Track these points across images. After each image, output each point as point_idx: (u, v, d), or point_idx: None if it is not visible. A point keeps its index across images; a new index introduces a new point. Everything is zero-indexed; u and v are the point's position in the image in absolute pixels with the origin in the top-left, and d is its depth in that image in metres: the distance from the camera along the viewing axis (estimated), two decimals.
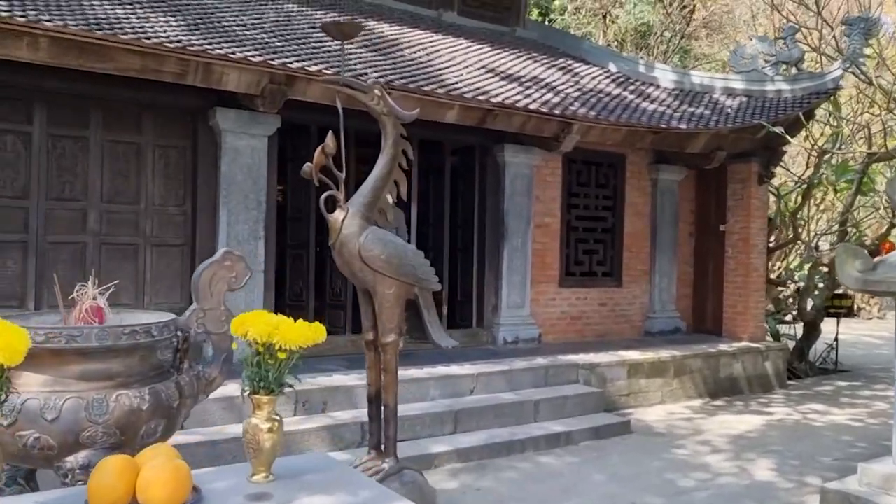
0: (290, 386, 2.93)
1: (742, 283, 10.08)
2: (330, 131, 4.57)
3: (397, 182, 4.74)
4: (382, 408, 4.63)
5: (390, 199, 4.68)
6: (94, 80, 6.15)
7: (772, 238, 11.92)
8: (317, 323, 3.04)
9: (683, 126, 8.70)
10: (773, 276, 12.44)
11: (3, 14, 4.99)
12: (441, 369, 7.22)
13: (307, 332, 2.91)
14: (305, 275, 7.84)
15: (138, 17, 6.05)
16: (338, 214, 4.47)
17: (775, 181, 11.47)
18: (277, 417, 2.84)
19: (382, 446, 4.65)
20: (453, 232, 9.01)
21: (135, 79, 6.10)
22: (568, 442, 6.78)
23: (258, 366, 2.87)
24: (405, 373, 6.91)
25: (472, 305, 8.94)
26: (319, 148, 4.52)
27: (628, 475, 5.94)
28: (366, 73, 6.60)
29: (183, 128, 6.95)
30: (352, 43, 7.19)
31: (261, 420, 2.81)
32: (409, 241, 6.69)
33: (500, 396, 7.12)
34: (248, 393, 2.83)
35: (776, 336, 11.60)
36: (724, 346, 9.57)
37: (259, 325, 2.89)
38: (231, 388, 6.12)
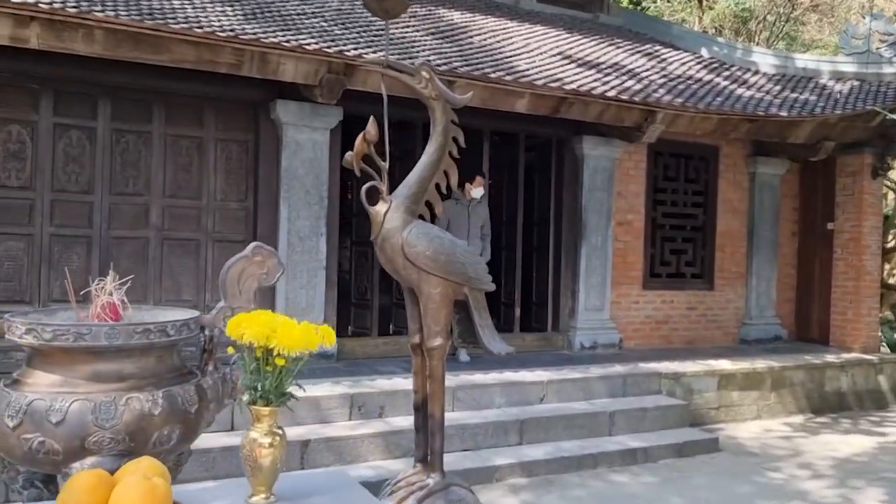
0: (294, 397, 2.57)
1: (853, 288, 9.08)
2: (371, 117, 4.22)
3: (447, 173, 4.34)
4: (428, 418, 4.24)
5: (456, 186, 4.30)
6: (156, 74, 6.08)
7: (889, 238, 10.76)
8: (325, 326, 2.65)
9: (784, 113, 7.88)
10: (889, 280, 11.24)
11: (56, 5, 4.93)
12: (508, 375, 6.76)
13: (309, 336, 2.53)
14: (370, 272, 7.57)
15: (194, 7, 5.93)
16: (380, 207, 4.13)
17: (893, 174, 10.32)
18: (279, 431, 2.49)
19: (429, 458, 4.26)
20: (527, 230, 8.53)
21: (196, 72, 5.99)
22: (646, 459, 6.18)
23: (256, 372, 2.52)
24: (469, 377, 6.54)
25: (546, 308, 8.43)
26: (360, 135, 4.19)
27: (713, 500, 5.30)
28: (428, 60, 6.24)
29: (245, 121, 6.81)
30: (409, 27, 6.87)
31: (260, 434, 2.47)
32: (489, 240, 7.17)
33: (572, 406, 6.59)
34: (246, 403, 2.50)
35: (893, 347, 10.45)
36: (830, 357, 8.63)
37: (256, 326, 2.54)
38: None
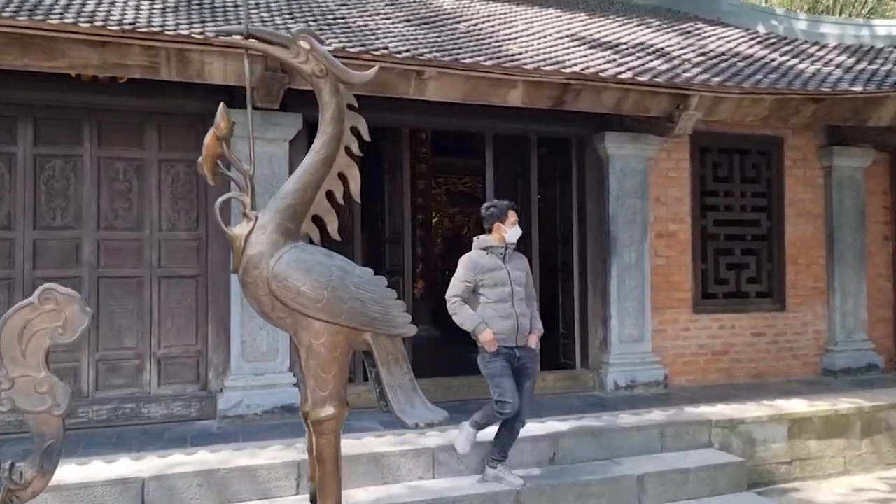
0: None
1: None
2: (221, 104, 3.15)
3: (345, 176, 3.20)
4: None
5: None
6: (84, 88, 5.28)
7: None
8: None
9: (858, 88, 6.29)
10: None
11: None
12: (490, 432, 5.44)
13: None
14: None
15: (99, 3, 5.05)
16: (240, 228, 3.03)
17: None
18: None
19: None
20: (547, 248, 7.23)
21: (135, 82, 5.16)
22: None
23: None
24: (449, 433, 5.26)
25: (573, 340, 7.06)
26: (210, 132, 3.12)
27: None
28: (385, 48, 5.12)
29: (192, 137, 5.85)
30: (378, 14, 5.78)
31: None
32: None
33: (589, 467, 5.21)
34: None
35: None
36: None
37: None
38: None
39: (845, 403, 6.33)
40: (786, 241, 7.64)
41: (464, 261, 4.58)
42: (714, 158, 7.42)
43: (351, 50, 4.92)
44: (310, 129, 6.09)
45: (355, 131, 3.20)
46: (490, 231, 4.67)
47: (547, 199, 7.19)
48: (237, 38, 3.09)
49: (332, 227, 3.21)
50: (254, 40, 3.06)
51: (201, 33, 4.69)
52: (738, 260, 7.53)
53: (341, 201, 3.19)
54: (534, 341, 4.64)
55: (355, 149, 3.20)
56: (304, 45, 3.05)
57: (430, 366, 8.47)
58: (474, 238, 4.80)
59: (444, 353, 7.66)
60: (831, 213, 7.73)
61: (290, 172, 5.83)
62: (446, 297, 4.53)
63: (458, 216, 15.11)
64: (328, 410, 2.97)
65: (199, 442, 5.10)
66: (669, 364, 7.03)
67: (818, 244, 7.77)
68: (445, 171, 13.43)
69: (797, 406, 6.25)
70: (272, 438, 5.22)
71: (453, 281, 4.56)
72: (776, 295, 7.62)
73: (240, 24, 4.81)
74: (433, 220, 14.03)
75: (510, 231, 4.65)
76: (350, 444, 5.09)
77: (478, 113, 6.54)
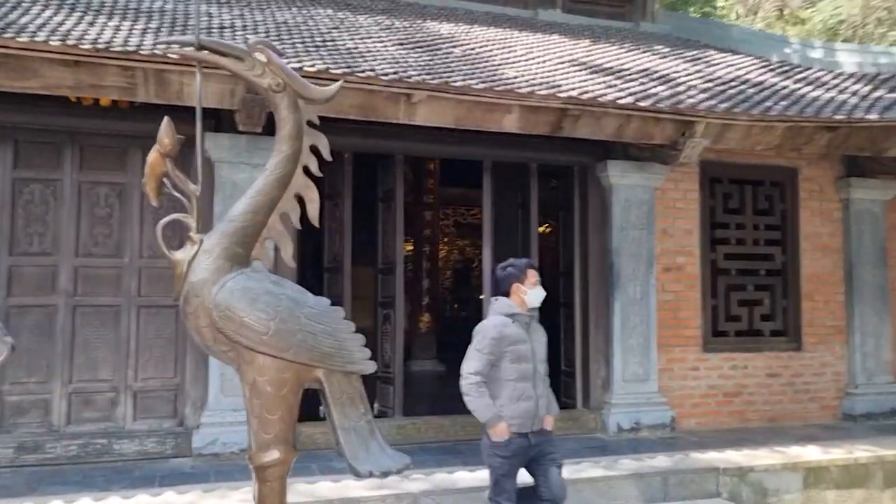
0: None
1: None
2: (166, 118, 2.93)
3: (302, 198, 2.95)
4: None
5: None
6: (68, 110, 5.16)
7: None
8: None
9: (875, 116, 5.98)
10: None
11: None
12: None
13: None
14: None
15: (77, 22, 4.91)
16: (183, 253, 2.78)
17: None
18: None
19: None
20: (548, 281, 6.88)
21: (119, 105, 5.02)
22: None
23: None
24: (446, 478, 4.94)
25: (574, 379, 6.71)
26: (153, 150, 2.90)
27: None
28: (371, 70, 4.92)
29: (181, 162, 5.67)
30: (370, 37, 5.60)
31: None
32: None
33: None
34: None
35: None
36: None
37: None
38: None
39: (866, 451, 5.89)
40: (802, 277, 7.26)
41: (487, 330, 3.75)
42: (724, 189, 7.11)
43: (335, 71, 4.72)
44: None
45: (315, 150, 2.95)
46: (507, 294, 3.88)
47: (548, 231, 6.90)
48: (188, 49, 2.85)
49: (287, 252, 2.94)
50: (206, 52, 2.84)
51: (153, 45, 4.50)
52: (750, 296, 7.16)
53: (298, 225, 2.93)
54: (550, 423, 3.91)
55: (314, 169, 2.95)
56: (260, 56, 2.82)
57: (433, 402, 8.17)
58: (490, 300, 4.04)
59: (448, 388, 7.31)
60: (850, 248, 7.35)
61: None
62: (464, 371, 3.73)
63: (467, 248, 14.87)
64: (272, 455, 2.68)
65: (169, 482, 4.81)
66: (677, 405, 6.64)
67: (836, 280, 7.38)
68: (454, 202, 13.22)
69: (813, 454, 5.83)
70: (246, 479, 4.90)
71: (473, 353, 3.74)
72: (792, 333, 7.22)
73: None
74: (441, 253, 13.79)
75: (531, 293, 3.84)
76: (328, 488, 4.80)
77: (475, 140, 6.31)
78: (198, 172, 2.88)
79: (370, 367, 2.84)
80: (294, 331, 2.67)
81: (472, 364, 3.72)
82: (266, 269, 2.88)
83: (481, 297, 6.62)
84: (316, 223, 2.96)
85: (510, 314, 3.79)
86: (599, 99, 5.32)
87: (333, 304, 6.10)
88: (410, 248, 13.87)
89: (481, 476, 4.98)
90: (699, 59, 7.29)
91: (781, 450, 5.91)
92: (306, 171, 2.95)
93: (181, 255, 2.75)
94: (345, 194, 6.11)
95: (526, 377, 3.75)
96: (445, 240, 14.24)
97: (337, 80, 4.82)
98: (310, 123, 2.95)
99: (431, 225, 12.18)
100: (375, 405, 6.36)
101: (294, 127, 2.89)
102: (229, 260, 2.73)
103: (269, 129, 5.67)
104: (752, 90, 6.32)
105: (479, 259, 10.93)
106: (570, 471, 5.15)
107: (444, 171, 11.49)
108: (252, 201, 2.85)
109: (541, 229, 7.57)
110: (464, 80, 5.11)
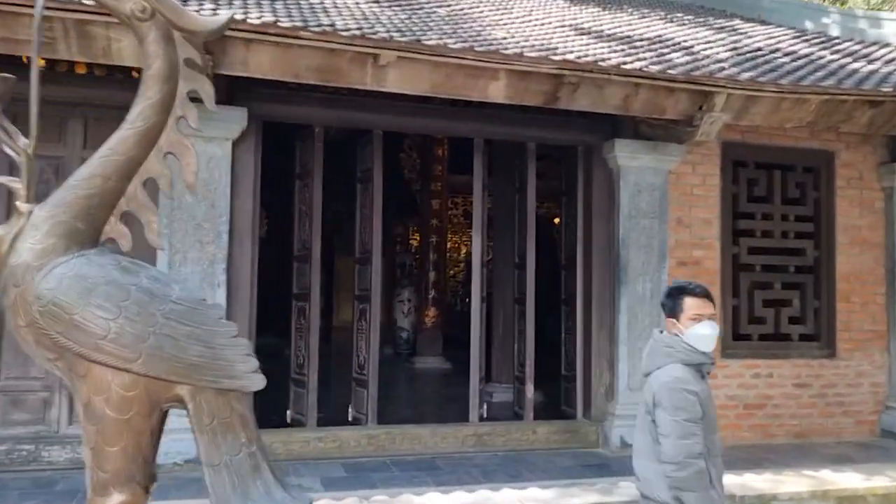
0: None
1: None
2: None
3: (174, 155, 2.27)
4: None
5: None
6: None
7: None
8: None
9: None
10: None
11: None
12: (484, 496, 4.39)
13: None
14: (307, 335, 5.48)
15: None
16: (5, 228, 2.12)
17: None
18: None
19: None
20: (548, 275, 6.18)
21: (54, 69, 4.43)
22: None
23: None
24: (413, 500, 4.24)
25: (575, 385, 5.96)
26: None
27: None
28: (330, 26, 4.21)
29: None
30: None
31: None
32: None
33: None
34: None
35: None
36: None
37: None
38: None
39: None
40: (837, 275, 6.42)
41: (674, 388, 2.54)
42: (749, 174, 6.29)
43: (284, 25, 4.04)
44: (262, 128, 5.26)
45: (195, 100, 2.27)
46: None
47: (549, 218, 6.15)
48: None
49: (151, 230, 2.28)
50: None
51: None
52: (777, 295, 6.33)
53: (168, 189, 2.26)
54: None
55: (192, 121, 2.27)
56: None
57: (435, 403, 7.50)
58: (653, 333, 2.87)
59: (456, 386, 6.63)
60: (892, 243, 6.48)
61: (234, 178, 5.01)
62: (675, 457, 2.49)
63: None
64: (112, 500, 2.01)
65: None
66: None
67: (877, 279, 6.53)
68: (463, 190, 12.47)
69: (848, 479, 5.01)
70: (187, 496, 4.28)
71: (681, 426, 2.50)
72: (824, 338, 6.39)
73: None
74: (449, 244, 13.09)
75: (692, 333, 2.65)
76: None
77: (462, 115, 5.61)
78: (31, 125, 2.20)
79: (255, 383, 2.16)
80: (145, 334, 2.00)
81: (686, 444, 2.47)
82: (120, 253, 2.21)
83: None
84: (193, 189, 2.28)
85: (693, 363, 2.62)
86: (601, 63, 4.56)
87: (301, 297, 5.35)
88: (416, 238, 13.25)
89: (457, 500, 4.30)
90: (723, 28, 6.47)
91: (810, 473, 5.11)
92: (181, 125, 2.28)
93: (1, 231, 2.09)
94: (314, 173, 5.44)
95: (715, 454, 2.63)
96: (454, 230, 13.53)
97: (289, 36, 4.17)
98: (188, 63, 2.27)
99: (439, 214, 11.45)
100: (350, 410, 5.70)
101: (165, 66, 2.21)
102: (65, 238, 2.06)
103: (231, 98, 5.05)
104: (784, 59, 5.50)
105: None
106: (558, 495, 4.43)
107: (454, 157, 10.76)
108: (102, 162, 2.18)
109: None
110: (440, 39, 4.38)
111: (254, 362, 2.15)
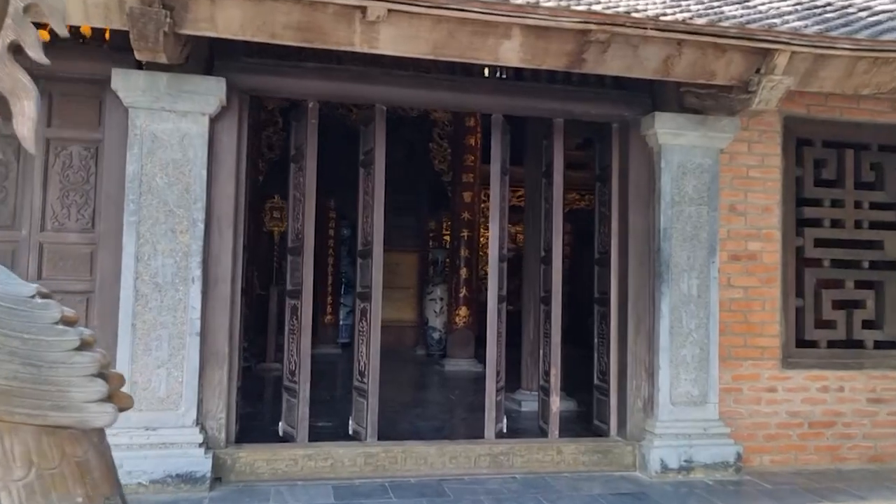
0: None
1: None
2: None
3: (5, 95, 1.63)
4: None
5: None
6: None
7: None
8: None
9: None
10: None
11: None
12: None
13: None
14: (300, 339, 4.82)
15: None
16: None
17: None
18: None
19: None
20: (577, 270, 5.40)
21: None
22: None
23: None
24: None
25: (608, 397, 5.18)
26: None
27: None
28: None
29: (91, 110, 4.50)
30: None
31: None
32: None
33: None
34: None
35: None
36: None
37: None
38: None
39: None
40: None
41: None
42: (817, 154, 5.40)
43: None
44: (247, 103, 4.66)
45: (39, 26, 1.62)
46: None
47: (578, 207, 5.38)
48: None
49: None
50: None
51: None
52: (849, 295, 5.43)
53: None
54: None
55: (36, 55, 1.62)
56: None
57: (463, 409, 6.82)
58: None
59: (479, 392, 5.94)
60: None
61: (211, 158, 4.40)
62: None
63: (519, 234, 13.37)
64: None
65: None
66: (745, 438, 5.03)
67: None
68: None
69: None
70: None
71: None
72: None
73: None
74: (483, 239, 12.36)
75: None
76: None
77: (479, 86, 4.90)
78: None
79: (99, 418, 1.49)
80: None
81: None
82: None
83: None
84: (31, 148, 1.63)
85: None
86: (635, 15, 3.78)
87: (294, 294, 4.65)
88: (447, 233, 12.56)
89: None
90: None
91: None
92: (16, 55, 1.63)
93: None
94: (307, 153, 4.79)
95: None
96: (488, 224, 12.79)
97: None
98: None
99: (471, 207, 10.75)
100: (350, 424, 5.04)
101: None
102: None
103: (210, 67, 4.45)
104: (863, 13, 4.61)
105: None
106: None
107: (488, 145, 10.05)
108: None
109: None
110: None
111: (99, 386, 1.49)
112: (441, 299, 11.95)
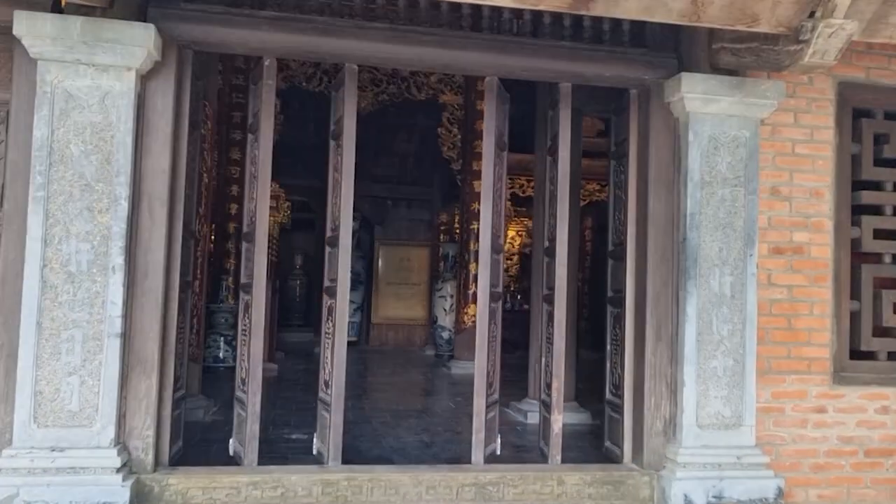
0: None
1: None
2: None
3: None
4: None
5: None
6: None
7: None
8: None
9: None
10: None
11: None
12: None
13: None
14: (250, 342, 4.06)
15: None
16: None
17: None
18: None
19: None
20: (597, 268, 4.57)
21: None
22: None
23: None
24: None
25: (621, 415, 4.34)
26: None
27: None
28: None
29: (1, 66, 3.77)
30: None
31: None
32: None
33: None
34: None
35: None
36: None
37: None
38: None
39: None
40: None
41: None
42: (878, 128, 4.49)
43: None
44: (189, 58, 3.90)
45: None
46: None
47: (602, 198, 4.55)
48: None
49: None
50: None
51: None
52: None
53: None
54: None
55: None
56: None
57: (462, 420, 5.99)
58: None
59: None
60: None
61: (140, 121, 3.65)
62: None
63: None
64: None
65: None
66: (787, 468, 4.16)
67: None
68: (513, 170, 10.90)
69: None
70: None
71: None
72: None
73: None
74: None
75: None
76: None
77: (471, 42, 4.08)
78: None
79: None
80: None
81: None
82: None
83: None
84: None
85: None
86: None
87: (245, 289, 4.01)
88: (456, 226, 11.76)
89: None
90: None
91: None
92: None
93: None
94: (262, 121, 4.02)
95: None
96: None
97: None
98: None
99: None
100: (315, 442, 4.26)
101: None
102: None
103: (130, 8, 3.70)
104: None
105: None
106: None
107: None
108: None
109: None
110: None
111: None
112: (451, 296, 11.23)
